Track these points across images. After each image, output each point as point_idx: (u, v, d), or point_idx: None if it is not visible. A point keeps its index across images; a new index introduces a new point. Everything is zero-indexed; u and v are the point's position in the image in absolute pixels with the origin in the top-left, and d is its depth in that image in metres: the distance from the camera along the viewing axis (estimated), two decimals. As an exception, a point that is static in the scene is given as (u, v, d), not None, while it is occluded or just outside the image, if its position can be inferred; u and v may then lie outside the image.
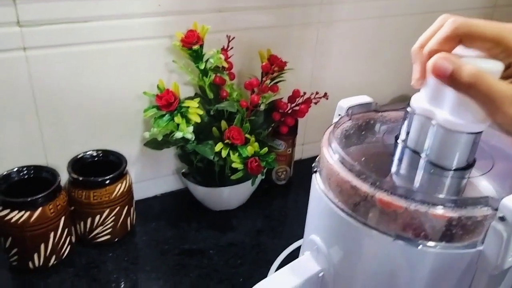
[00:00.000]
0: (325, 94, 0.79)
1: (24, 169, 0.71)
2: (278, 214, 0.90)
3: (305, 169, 1.02)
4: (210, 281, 0.71)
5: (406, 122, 0.43)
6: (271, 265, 0.74)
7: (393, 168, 0.41)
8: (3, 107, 0.69)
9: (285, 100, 0.81)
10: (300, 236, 0.73)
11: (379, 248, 0.38)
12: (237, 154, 0.74)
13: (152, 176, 0.88)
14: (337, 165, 0.40)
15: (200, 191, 0.83)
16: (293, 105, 0.79)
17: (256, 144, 0.73)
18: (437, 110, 0.38)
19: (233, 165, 0.74)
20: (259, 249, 0.79)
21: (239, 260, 0.76)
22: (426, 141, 0.41)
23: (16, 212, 0.65)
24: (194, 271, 0.73)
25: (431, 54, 0.35)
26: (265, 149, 0.74)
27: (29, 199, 0.65)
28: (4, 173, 0.70)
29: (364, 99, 0.49)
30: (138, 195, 0.84)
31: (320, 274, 0.43)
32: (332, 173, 0.40)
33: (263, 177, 0.80)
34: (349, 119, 0.47)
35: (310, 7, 0.86)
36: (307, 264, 0.44)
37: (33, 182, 0.70)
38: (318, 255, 0.44)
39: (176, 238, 0.80)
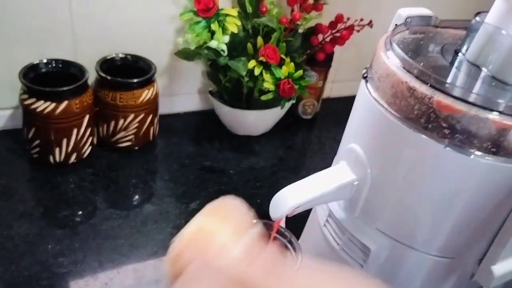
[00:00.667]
0: (370, 21, 0.75)
1: (53, 61, 0.70)
2: (300, 146, 0.88)
3: (332, 107, 1.01)
4: (228, 198, 0.71)
5: (470, 35, 0.40)
6: (290, 192, 0.73)
7: (452, 78, 0.38)
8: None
9: (326, 25, 0.77)
10: (322, 168, 0.72)
11: (428, 155, 0.36)
12: (269, 74, 0.71)
13: (178, 92, 0.86)
14: (396, 67, 0.37)
15: (226, 112, 0.81)
16: (334, 30, 0.75)
17: (292, 65, 0.70)
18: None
19: (265, 85, 0.71)
20: (279, 175, 0.78)
21: (258, 183, 0.75)
22: (490, 54, 0.38)
23: (42, 102, 0.64)
24: (213, 187, 0.72)
25: None
26: (300, 72, 0.71)
27: (56, 90, 0.64)
28: (33, 63, 0.68)
29: (424, 11, 0.45)
30: (162, 110, 0.83)
31: (355, 183, 0.41)
32: (389, 75, 0.38)
33: (294, 101, 0.78)
34: (407, 29, 0.44)
35: None
36: (342, 172, 0.42)
37: (60, 76, 0.69)
38: (355, 164, 0.42)
39: (197, 154, 0.79)
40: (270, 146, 0.84)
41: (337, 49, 0.82)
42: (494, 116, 0.33)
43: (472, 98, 0.34)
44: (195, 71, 0.84)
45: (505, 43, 0.37)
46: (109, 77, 0.69)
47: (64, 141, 0.68)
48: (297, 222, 0.57)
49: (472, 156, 0.34)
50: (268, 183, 0.75)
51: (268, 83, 0.71)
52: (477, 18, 0.39)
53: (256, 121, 0.82)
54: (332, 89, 1.01)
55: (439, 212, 0.38)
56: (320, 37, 0.77)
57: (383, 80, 0.39)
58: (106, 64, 0.72)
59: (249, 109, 0.80)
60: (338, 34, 0.76)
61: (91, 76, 0.70)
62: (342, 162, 0.44)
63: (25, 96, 0.65)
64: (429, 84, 0.35)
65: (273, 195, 0.48)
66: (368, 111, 0.41)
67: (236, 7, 0.74)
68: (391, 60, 0.39)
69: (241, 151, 0.82)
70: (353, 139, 0.43)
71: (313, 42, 0.76)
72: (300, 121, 0.93)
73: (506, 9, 0.37)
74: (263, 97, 0.73)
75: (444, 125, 0.35)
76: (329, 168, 0.44)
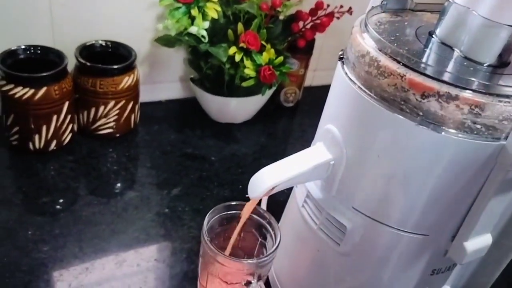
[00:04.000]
0: (350, 8, 0.75)
1: (31, 47, 0.69)
2: (282, 134, 0.89)
3: (314, 95, 1.01)
4: (210, 184, 0.71)
5: (442, 17, 0.40)
6: (272, 178, 0.74)
7: (425, 58, 0.39)
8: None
9: (306, 12, 0.78)
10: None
11: (402, 134, 0.36)
12: (250, 60, 0.71)
13: (159, 80, 0.86)
14: (370, 47, 0.38)
15: (207, 99, 0.81)
16: (314, 17, 0.76)
17: (272, 51, 0.71)
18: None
19: (245, 71, 0.71)
20: (261, 162, 0.78)
21: (240, 169, 0.76)
22: (461, 34, 0.39)
23: (20, 88, 0.63)
24: (195, 173, 0.73)
25: None
26: (280, 58, 0.72)
27: (35, 75, 0.63)
28: (10, 49, 0.67)
29: (400, -6, 0.46)
30: (143, 97, 0.82)
31: (331, 163, 0.42)
32: (364, 56, 0.38)
33: (275, 88, 0.78)
34: (383, 11, 0.45)
35: None
36: (319, 152, 0.43)
37: (39, 63, 0.68)
38: (331, 145, 0.42)
39: (178, 141, 0.79)
40: (251, 134, 0.85)
41: (318, 37, 0.83)
42: (465, 94, 0.34)
43: (444, 76, 0.35)
44: (176, 58, 0.84)
45: (476, 23, 0.37)
46: (88, 63, 0.69)
47: (44, 128, 0.67)
48: (278, 206, 0.58)
49: (443, 133, 0.35)
50: (249, 169, 0.76)
51: (249, 70, 0.71)
52: (447, 3, 0.40)
53: (238, 109, 0.83)
54: (314, 77, 1.01)
55: (413, 189, 0.39)
56: (301, 24, 0.77)
57: (358, 61, 0.40)
58: (86, 51, 0.72)
59: (230, 96, 0.80)
60: (318, 21, 0.76)
61: (71, 64, 0.70)
62: (319, 143, 0.44)
63: (3, 82, 0.64)
64: (401, 63, 0.36)
65: None
66: (344, 92, 0.41)
67: (216, -7, 0.74)
68: (366, 41, 0.39)
69: (223, 139, 0.82)
70: (330, 120, 0.44)
71: (293, 29, 0.76)
72: (282, 109, 0.94)
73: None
74: (244, 84, 0.73)
75: (417, 103, 0.35)
76: (306, 149, 0.45)
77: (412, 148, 0.37)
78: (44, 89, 0.64)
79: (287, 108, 0.94)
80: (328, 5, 0.75)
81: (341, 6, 0.76)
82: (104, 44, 0.74)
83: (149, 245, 0.60)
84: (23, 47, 0.68)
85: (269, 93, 0.81)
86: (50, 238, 0.58)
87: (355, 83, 0.40)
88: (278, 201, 0.61)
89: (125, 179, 0.70)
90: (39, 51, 0.69)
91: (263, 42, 0.72)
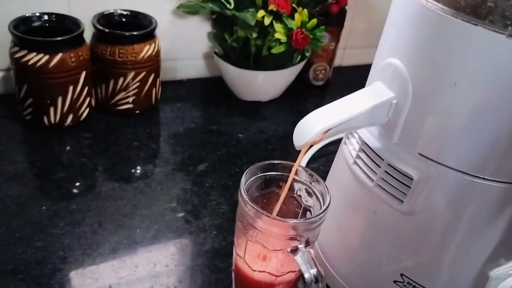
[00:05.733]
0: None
1: (46, 15, 0.64)
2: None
3: (344, 75, 0.95)
4: (239, 160, 0.65)
5: None
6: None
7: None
8: None
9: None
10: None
11: (487, 50, 0.30)
12: (280, 24, 0.66)
13: (181, 57, 0.80)
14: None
15: (233, 74, 0.76)
16: (348, -21, 0.70)
17: (305, 13, 0.65)
18: None
19: (276, 35, 0.66)
20: (291, 139, 0.72)
21: (269, 146, 0.70)
22: None
23: (34, 54, 0.59)
24: (222, 149, 0.67)
25: None
26: (314, 21, 0.66)
27: (49, 39, 0.59)
28: (24, 15, 0.62)
29: None
30: (165, 76, 0.77)
31: (394, 101, 0.36)
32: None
33: (308, 55, 0.72)
34: None
35: None
36: (378, 91, 0.37)
37: (55, 30, 0.63)
38: (393, 81, 0.36)
39: (203, 119, 0.73)
40: (280, 112, 0.79)
41: (349, 16, 0.77)
42: None
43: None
44: (199, 32, 0.79)
45: None
46: (107, 30, 0.64)
47: (60, 100, 0.62)
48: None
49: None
50: (280, 146, 0.69)
51: (279, 34, 0.65)
52: None
53: (265, 83, 0.77)
54: (344, 56, 0.95)
55: (497, 124, 0.32)
56: (333, -12, 0.71)
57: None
58: (104, 20, 0.67)
59: (257, 70, 0.74)
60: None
61: (88, 34, 0.65)
62: (377, 82, 0.38)
63: (16, 48, 0.59)
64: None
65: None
66: (408, 12, 0.35)
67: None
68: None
69: (250, 116, 0.76)
70: (389, 54, 0.37)
71: (326, -8, 0.71)
72: (311, 88, 0.88)
73: None
74: (274, 50, 0.67)
75: (507, 9, 0.29)
76: (361, 90, 0.38)
77: (501, 68, 0.30)
78: (59, 55, 0.59)
79: (316, 87, 0.88)
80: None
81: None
82: (123, 13, 0.69)
83: (176, 221, 0.54)
84: (37, 14, 0.63)
85: (298, 68, 0.75)
86: (66, 213, 0.52)
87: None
88: (317, 170, 0.55)
89: (147, 155, 0.64)
90: (54, 18, 0.64)
91: (294, 5, 0.66)
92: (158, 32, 0.68)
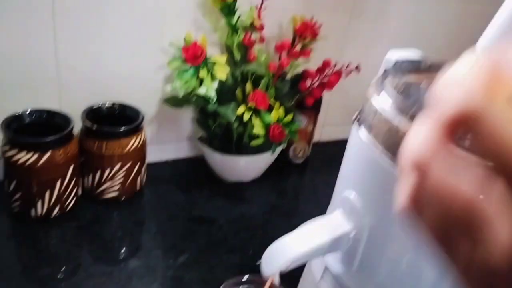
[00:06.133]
0: (357, 66, 0.75)
1: (37, 112, 0.68)
2: (293, 192, 0.86)
3: (323, 150, 0.99)
4: (219, 249, 0.68)
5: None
6: (284, 241, 0.70)
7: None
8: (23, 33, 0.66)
9: (313, 71, 0.77)
10: (315, 215, 0.69)
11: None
12: (259, 119, 0.70)
13: (166, 140, 0.84)
14: (388, 109, 0.36)
15: (216, 158, 0.79)
16: (322, 76, 0.75)
17: (281, 109, 0.69)
18: None
19: (254, 130, 0.70)
20: (272, 224, 0.75)
21: (250, 232, 0.72)
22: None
23: (24, 153, 0.62)
24: (203, 238, 0.69)
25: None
26: (290, 117, 0.70)
27: (39, 140, 0.62)
28: (16, 114, 0.66)
29: (414, 53, 0.45)
30: (150, 158, 0.81)
31: (352, 234, 0.39)
32: (382, 119, 0.36)
33: (284, 146, 0.77)
34: (397, 72, 0.43)
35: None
36: (338, 221, 0.40)
37: (45, 127, 0.67)
38: (351, 214, 0.40)
39: (186, 203, 0.76)
40: (261, 192, 0.82)
41: (326, 92, 0.82)
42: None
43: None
44: (184, 118, 0.83)
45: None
46: (94, 126, 0.67)
47: (47, 194, 0.65)
48: (290, 278, 0.54)
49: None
50: (260, 232, 0.72)
51: (258, 128, 0.70)
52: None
53: (247, 167, 0.81)
54: (322, 133, 1.00)
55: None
56: (308, 82, 0.76)
57: (376, 123, 0.38)
58: (92, 114, 0.71)
59: (239, 155, 0.78)
60: (326, 80, 0.76)
61: (78, 126, 0.69)
62: (337, 211, 0.41)
63: (7, 147, 0.63)
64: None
65: (266, 245, 0.45)
66: (362, 156, 0.39)
67: (224, 54, 0.74)
68: (384, 103, 0.38)
69: (232, 199, 0.79)
70: (348, 186, 0.41)
71: (301, 88, 0.75)
72: (291, 166, 0.92)
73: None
74: (253, 143, 0.71)
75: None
76: (323, 217, 0.42)
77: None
78: (48, 153, 0.63)
79: (296, 165, 0.92)
80: (335, 64, 0.75)
81: (349, 65, 0.75)
82: (111, 106, 0.73)
83: (155, 320, 0.55)
84: (28, 111, 0.67)
85: (278, 150, 0.79)
86: (49, 314, 0.54)
87: (374, 146, 0.38)
88: (291, 277, 0.58)
89: (130, 246, 0.66)
90: (44, 115, 0.68)
91: (272, 101, 0.71)
92: (145, 120, 0.72)
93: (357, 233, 0.39)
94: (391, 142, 0.36)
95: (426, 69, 0.46)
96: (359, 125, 0.40)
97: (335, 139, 1.00)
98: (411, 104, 0.37)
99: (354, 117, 0.42)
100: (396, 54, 0.43)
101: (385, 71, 0.42)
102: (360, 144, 0.39)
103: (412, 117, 0.35)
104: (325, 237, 0.39)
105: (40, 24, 0.66)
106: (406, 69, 0.45)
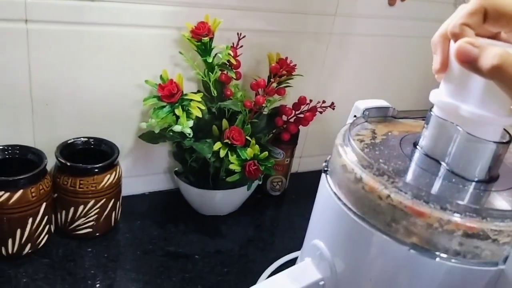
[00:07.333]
0: (332, 103, 0.76)
1: (9, 147, 0.67)
2: (270, 225, 0.86)
3: (300, 182, 1.00)
4: (194, 287, 0.67)
5: (426, 127, 0.40)
6: (259, 277, 0.70)
7: (411, 175, 0.38)
8: (-5, 80, 0.66)
9: (289, 107, 0.79)
10: (292, 249, 0.69)
11: (392, 257, 0.34)
12: (235, 155, 0.70)
13: (142, 173, 0.84)
14: (353, 163, 0.37)
15: (192, 192, 0.79)
16: (297, 112, 0.77)
17: (257, 147, 0.70)
18: (461, 104, 0.35)
19: (231, 166, 0.70)
20: (248, 259, 0.75)
21: (225, 268, 0.72)
22: (447, 148, 0.38)
23: (-5, 191, 0.61)
24: (178, 275, 0.69)
25: (455, 36, 0.33)
26: (265, 153, 0.71)
27: (10, 178, 0.61)
28: (-13, 150, 0.65)
29: (382, 103, 0.46)
30: (125, 191, 0.80)
31: (321, 283, 0.40)
32: (347, 172, 0.37)
33: (260, 182, 0.77)
34: (365, 121, 0.45)
35: (325, 17, 0.85)
36: (307, 270, 0.41)
37: (18, 163, 0.66)
38: (320, 262, 0.40)
39: (161, 239, 0.76)
40: (238, 226, 0.82)
41: (303, 129, 0.83)
42: (456, 218, 0.33)
43: (433, 198, 0.33)
44: (161, 151, 0.83)
45: (461, 139, 0.37)
46: (68, 163, 0.67)
47: (18, 232, 0.64)
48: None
49: (437, 259, 0.33)
50: (236, 269, 0.72)
51: (234, 165, 0.70)
52: (432, 111, 0.39)
53: (223, 201, 0.81)
54: (300, 164, 1.01)
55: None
56: (284, 118, 0.78)
57: (341, 175, 0.38)
58: (67, 149, 0.70)
59: (216, 189, 0.78)
60: (301, 115, 0.77)
61: (52, 162, 0.68)
62: (307, 259, 0.42)
63: (-23, 185, 0.62)
64: (386, 182, 0.35)
65: (242, 282, 0.45)
66: (328, 206, 0.40)
67: (201, 91, 0.75)
68: (349, 156, 0.39)
69: (208, 233, 0.79)
70: (316, 235, 0.42)
71: (277, 123, 0.77)
72: (268, 198, 0.92)
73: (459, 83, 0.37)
74: (229, 179, 0.72)
75: (406, 226, 0.34)
76: (294, 267, 0.42)
77: (404, 273, 0.35)
78: (20, 192, 0.62)
79: (274, 197, 0.92)
80: (310, 100, 0.76)
81: (324, 101, 0.77)
82: (86, 141, 0.73)
83: None
84: (0, 147, 0.66)
85: (254, 186, 0.80)
86: None
87: (339, 198, 0.38)
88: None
89: (103, 283, 0.65)
90: (17, 151, 0.67)
91: (248, 137, 0.71)
92: (120, 153, 0.72)
93: (326, 282, 0.40)
94: (356, 196, 0.36)
95: (394, 115, 0.47)
96: (327, 174, 0.41)
97: (313, 169, 1.01)
98: (375, 157, 0.38)
99: (323, 166, 0.43)
100: (365, 103, 0.45)
101: (353, 120, 0.43)
102: (327, 194, 0.40)
103: (375, 173, 0.36)
104: (296, 285, 0.40)
105: (15, 59, 0.66)
106: (374, 116, 0.46)
